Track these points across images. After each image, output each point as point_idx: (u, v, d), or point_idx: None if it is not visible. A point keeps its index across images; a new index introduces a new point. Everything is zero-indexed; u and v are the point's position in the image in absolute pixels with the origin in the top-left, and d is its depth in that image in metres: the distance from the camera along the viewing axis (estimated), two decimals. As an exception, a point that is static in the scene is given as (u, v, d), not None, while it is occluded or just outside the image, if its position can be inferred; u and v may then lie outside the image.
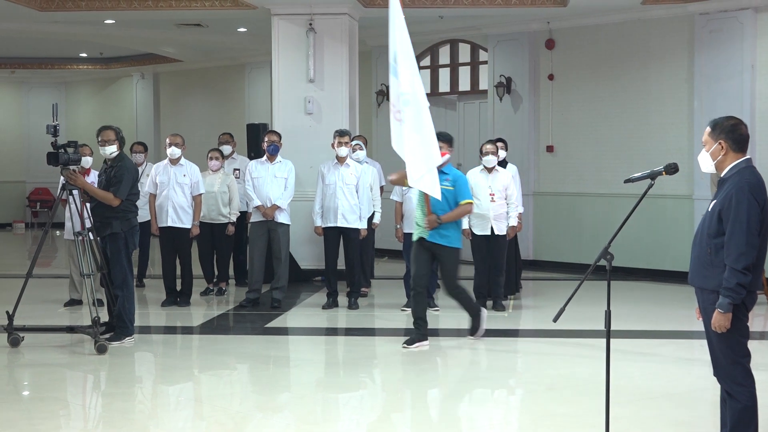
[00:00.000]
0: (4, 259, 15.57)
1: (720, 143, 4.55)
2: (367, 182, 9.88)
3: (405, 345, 7.90)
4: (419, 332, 7.99)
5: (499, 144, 10.03)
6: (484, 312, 8.31)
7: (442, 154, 7.94)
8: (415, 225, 8.15)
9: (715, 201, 4.55)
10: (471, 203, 8.19)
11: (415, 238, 8.14)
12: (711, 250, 4.50)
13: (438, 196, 7.76)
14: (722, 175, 4.59)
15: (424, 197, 7.91)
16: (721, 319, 4.43)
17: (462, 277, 8.19)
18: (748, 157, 4.59)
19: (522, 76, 13.34)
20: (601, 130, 12.78)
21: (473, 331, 8.24)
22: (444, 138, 8.21)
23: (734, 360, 4.55)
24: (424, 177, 7.63)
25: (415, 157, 7.59)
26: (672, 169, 4.67)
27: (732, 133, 4.55)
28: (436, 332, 8.76)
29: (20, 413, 6.00)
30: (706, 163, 4.63)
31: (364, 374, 7.13)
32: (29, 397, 6.61)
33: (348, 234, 9.82)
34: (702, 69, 11.65)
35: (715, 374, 4.66)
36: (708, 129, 4.62)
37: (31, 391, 6.79)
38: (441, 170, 7.97)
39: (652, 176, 4.69)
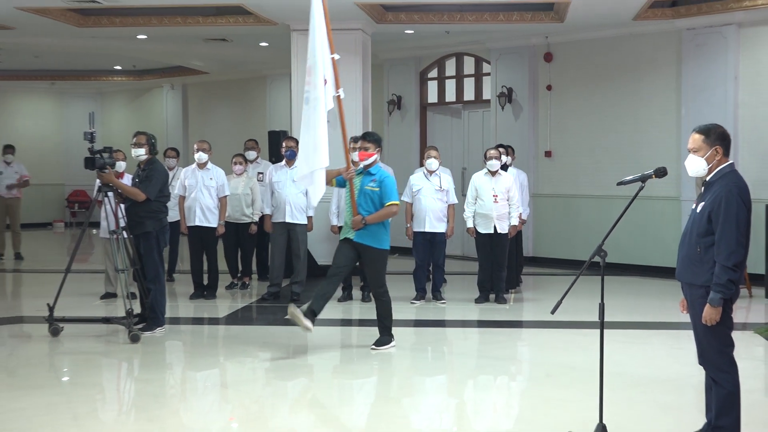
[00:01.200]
0: (45, 256, 15.62)
1: (716, 149, 4.55)
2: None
3: (305, 325, 6.96)
4: (312, 310, 7.05)
5: (501, 150, 10.01)
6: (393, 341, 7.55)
7: (369, 155, 7.37)
8: (344, 225, 7.45)
9: (703, 203, 4.54)
10: (397, 205, 7.33)
11: (341, 238, 7.43)
12: (700, 248, 4.49)
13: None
14: (708, 179, 4.59)
15: (351, 198, 7.30)
16: (712, 313, 4.43)
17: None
18: (731, 161, 4.60)
19: (522, 87, 13.31)
20: (595, 136, 12.75)
21: (379, 342, 7.43)
22: (371, 138, 7.46)
23: (720, 349, 4.55)
24: (305, 177, 7.10)
25: (300, 154, 7.05)
26: (661, 172, 4.67)
27: (725, 140, 4.57)
28: (443, 323, 8.77)
29: (60, 397, 6.04)
30: (699, 167, 4.60)
31: (376, 362, 7.13)
32: (68, 383, 6.65)
33: (361, 233, 9.80)
34: (689, 80, 11.62)
35: (701, 362, 4.66)
36: (700, 136, 4.58)
37: (70, 377, 6.82)
38: (368, 171, 7.40)
39: (643, 179, 4.69)
